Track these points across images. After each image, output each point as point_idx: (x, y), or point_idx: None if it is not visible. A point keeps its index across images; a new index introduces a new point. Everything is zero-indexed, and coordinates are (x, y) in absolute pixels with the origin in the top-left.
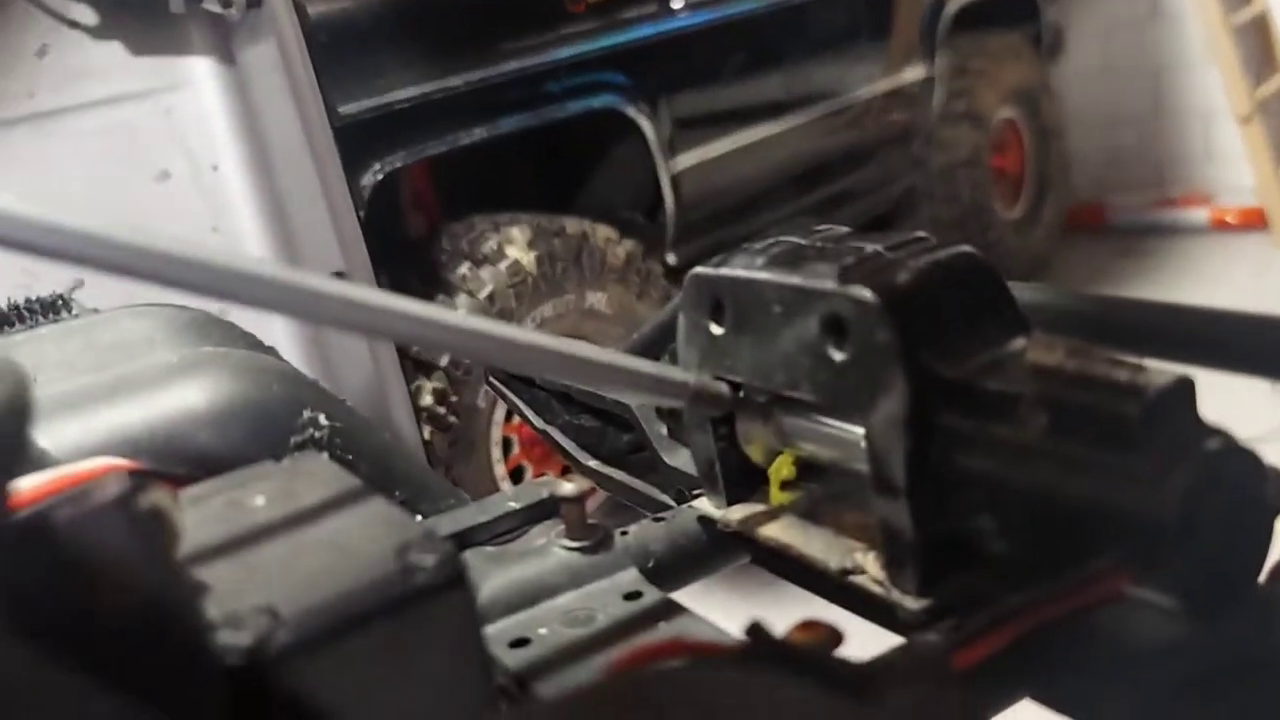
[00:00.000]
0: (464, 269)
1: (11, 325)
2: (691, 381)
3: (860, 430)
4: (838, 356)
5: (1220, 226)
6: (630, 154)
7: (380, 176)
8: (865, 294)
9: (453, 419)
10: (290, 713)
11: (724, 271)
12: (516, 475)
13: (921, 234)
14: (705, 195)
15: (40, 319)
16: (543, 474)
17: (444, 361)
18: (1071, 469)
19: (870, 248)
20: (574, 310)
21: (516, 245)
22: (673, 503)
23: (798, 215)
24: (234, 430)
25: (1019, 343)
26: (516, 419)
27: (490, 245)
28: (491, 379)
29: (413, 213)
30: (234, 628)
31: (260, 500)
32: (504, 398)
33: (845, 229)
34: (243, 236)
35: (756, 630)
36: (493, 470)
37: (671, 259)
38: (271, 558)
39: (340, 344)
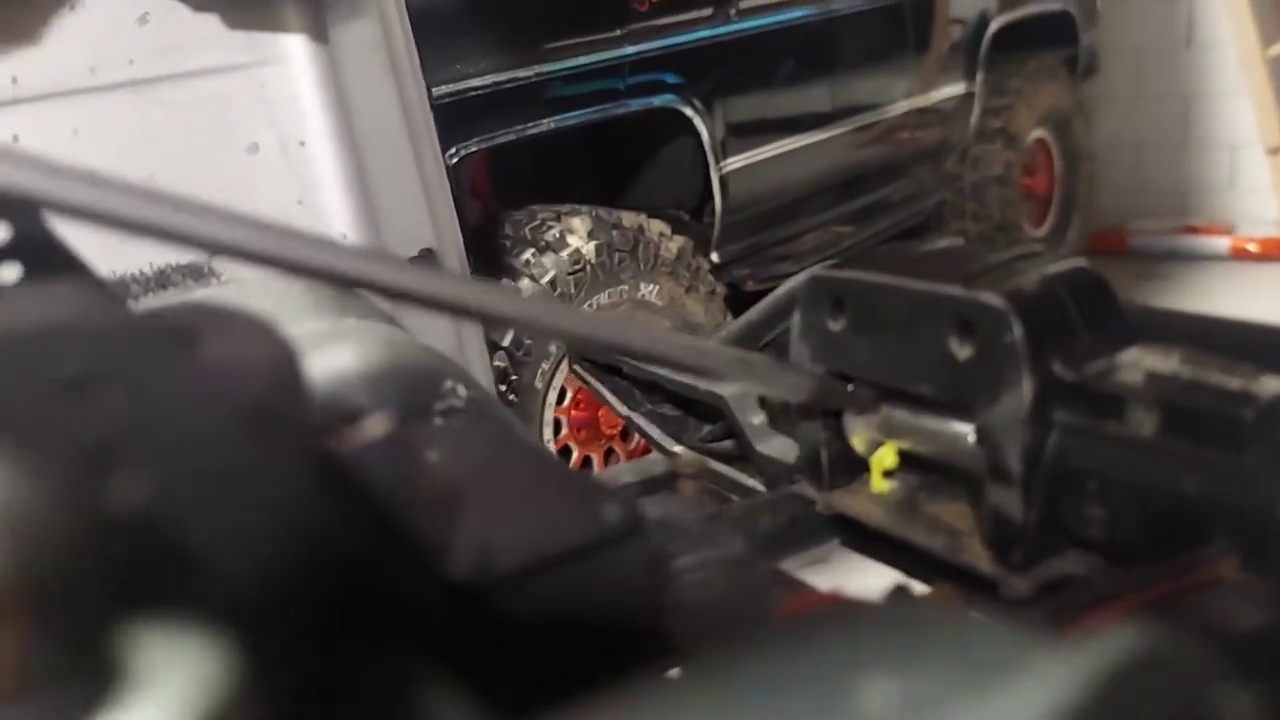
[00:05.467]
0: (527, 255)
1: (164, 288)
2: (812, 377)
3: (967, 425)
4: (962, 356)
5: (1241, 255)
6: (683, 153)
7: (454, 160)
8: (995, 299)
9: (512, 397)
10: (498, 637)
11: (848, 274)
12: (563, 455)
13: (1037, 247)
14: (751, 197)
15: (190, 283)
16: (588, 455)
17: (506, 341)
18: (1182, 466)
19: (992, 257)
20: (627, 300)
21: (577, 235)
22: (762, 488)
23: (834, 223)
24: (387, 395)
25: (1131, 350)
26: (567, 402)
27: (553, 233)
28: (577, 367)
29: (473, 198)
30: (453, 558)
31: (435, 456)
32: (589, 386)
33: (959, 240)
34: (327, 212)
35: (901, 591)
36: None
37: (715, 257)
38: (468, 503)
39: (421, 322)
